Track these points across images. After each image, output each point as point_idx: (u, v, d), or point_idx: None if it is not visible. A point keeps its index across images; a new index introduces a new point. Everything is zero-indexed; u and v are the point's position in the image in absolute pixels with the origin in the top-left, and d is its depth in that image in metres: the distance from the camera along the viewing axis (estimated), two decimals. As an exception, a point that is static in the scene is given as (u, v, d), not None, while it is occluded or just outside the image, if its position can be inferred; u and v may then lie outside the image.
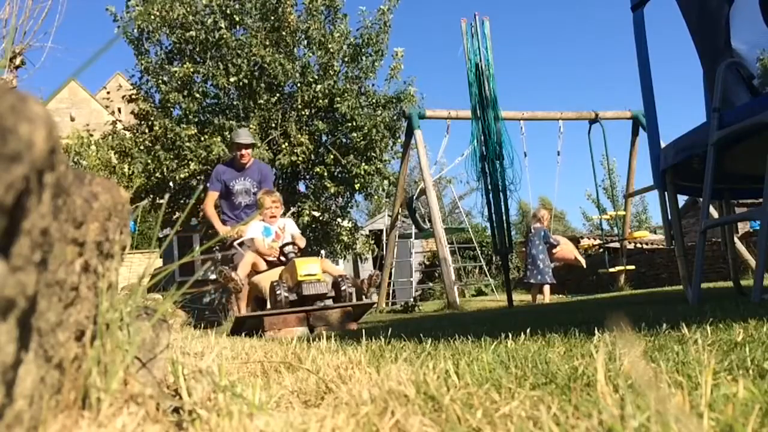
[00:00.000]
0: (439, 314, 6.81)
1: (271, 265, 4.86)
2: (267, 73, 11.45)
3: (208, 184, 6.06)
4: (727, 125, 2.75)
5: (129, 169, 11.41)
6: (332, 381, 1.03)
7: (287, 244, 4.83)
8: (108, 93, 13.85)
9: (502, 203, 6.92)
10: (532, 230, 8.38)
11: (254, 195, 5.73)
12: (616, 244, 10.47)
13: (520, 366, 1.10)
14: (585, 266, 9.25)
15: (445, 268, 8.03)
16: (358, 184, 11.94)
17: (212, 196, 5.90)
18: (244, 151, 5.85)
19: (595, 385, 0.79)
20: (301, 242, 4.99)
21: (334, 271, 4.66)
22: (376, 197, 13.23)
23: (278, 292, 4.20)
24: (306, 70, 11.68)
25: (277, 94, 11.67)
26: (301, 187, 12.88)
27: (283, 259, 4.77)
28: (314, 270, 4.28)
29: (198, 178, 11.46)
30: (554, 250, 8.41)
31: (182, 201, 11.80)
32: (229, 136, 11.18)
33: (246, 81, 11.37)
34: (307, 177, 12.68)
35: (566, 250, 8.82)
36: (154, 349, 0.81)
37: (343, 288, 4.33)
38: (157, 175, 11.32)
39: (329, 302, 4.36)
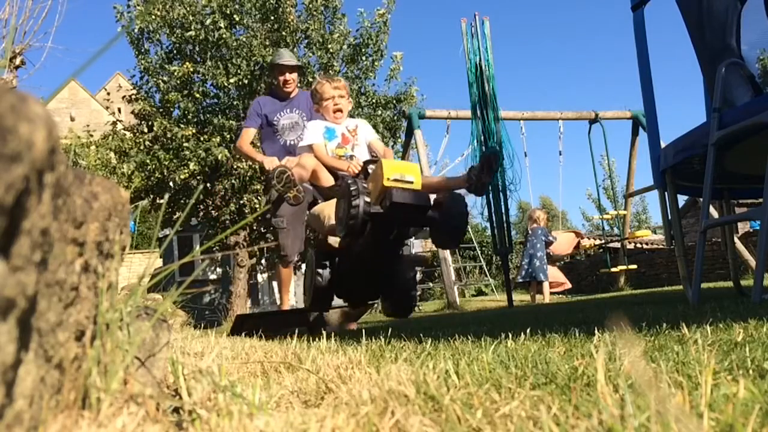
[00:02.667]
0: (439, 314, 6.81)
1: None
2: (267, 73, 11.46)
3: (244, 122, 4.85)
4: (727, 125, 2.75)
5: (128, 168, 11.42)
6: (332, 381, 1.03)
7: (371, 161, 3.29)
8: (108, 93, 13.83)
9: (502, 203, 6.93)
10: (530, 231, 8.43)
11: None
12: (617, 244, 10.48)
13: (520, 366, 1.10)
14: (584, 237, 9.29)
15: (445, 268, 8.03)
16: (359, 184, 11.93)
17: (248, 133, 4.65)
18: (288, 76, 4.61)
19: (595, 385, 0.79)
20: (389, 155, 3.54)
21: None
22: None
23: (355, 202, 2.68)
24: (306, 70, 11.69)
25: (277, 94, 11.68)
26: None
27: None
28: (409, 175, 2.74)
29: (198, 178, 11.47)
30: (551, 247, 8.45)
31: (182, 201, 11.80)
32: (229, 136, 11.19)
33: (246, 81, 11.37)
34: (308, 177, 12.68)
35: (563, 241, 8.89)
36: (154, 349, 0.81)
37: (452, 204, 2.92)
38: (157, 175, 11.32)
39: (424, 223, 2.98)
